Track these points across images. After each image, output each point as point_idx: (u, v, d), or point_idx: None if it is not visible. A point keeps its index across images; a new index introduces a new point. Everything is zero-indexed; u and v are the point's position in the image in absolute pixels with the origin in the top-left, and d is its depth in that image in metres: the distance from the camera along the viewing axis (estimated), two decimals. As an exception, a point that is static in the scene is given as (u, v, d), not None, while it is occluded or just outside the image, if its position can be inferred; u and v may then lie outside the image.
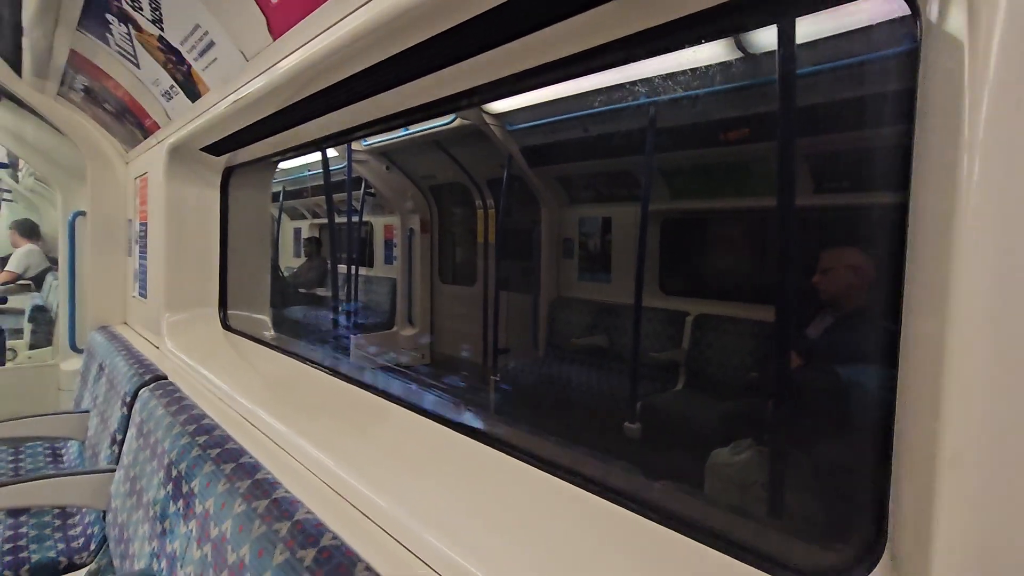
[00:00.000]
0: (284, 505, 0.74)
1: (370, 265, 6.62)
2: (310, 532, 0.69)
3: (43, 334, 4.27)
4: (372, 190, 6.01)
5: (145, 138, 2.08)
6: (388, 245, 6.63)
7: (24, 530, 1.48)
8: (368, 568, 0.62)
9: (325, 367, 1.56)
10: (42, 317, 4.36)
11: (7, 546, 1.40)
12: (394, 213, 6.16)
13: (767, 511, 1.55)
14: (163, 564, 0.91)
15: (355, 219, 5.62)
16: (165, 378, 1.53)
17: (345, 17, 0.83)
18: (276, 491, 0.79)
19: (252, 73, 1.16)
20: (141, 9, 1.25)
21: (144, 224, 2.17)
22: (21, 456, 1.97)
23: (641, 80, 2.77)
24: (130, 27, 1.37)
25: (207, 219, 1.97)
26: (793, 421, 1.79)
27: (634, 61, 0.77)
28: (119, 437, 1.46)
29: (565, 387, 3.90)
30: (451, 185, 5.60)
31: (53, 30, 1.61)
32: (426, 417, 1.08)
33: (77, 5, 1.40)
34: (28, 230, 6.20)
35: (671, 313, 3.77)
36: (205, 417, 1.13)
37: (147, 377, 1.51)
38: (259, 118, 1.34)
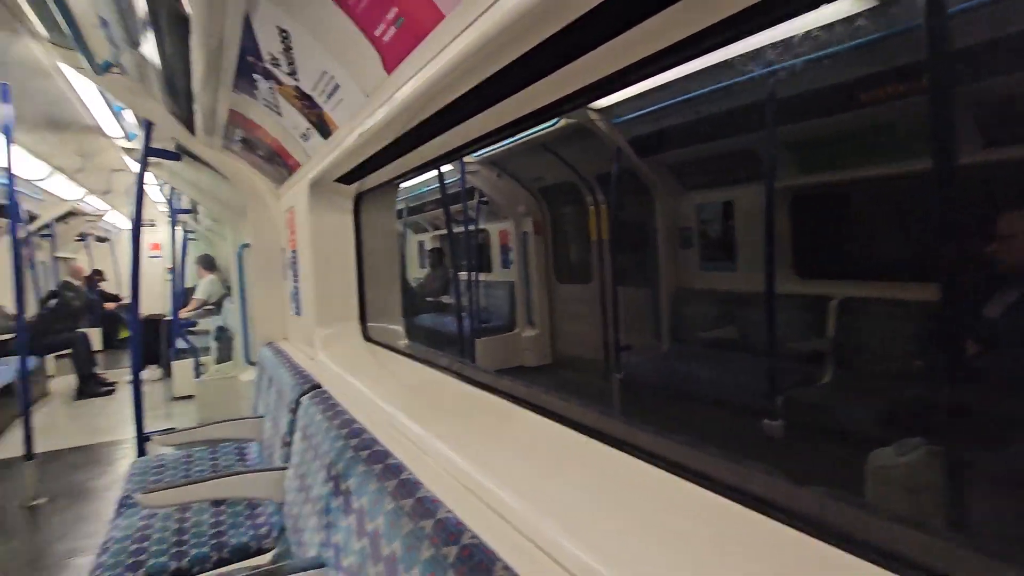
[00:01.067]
0: (427, 504, 0.80)
1: (488, 270, 6.88)
2: (451, 530, 0.73)
3: (225, 351, 5.04)
4: (485, 198, 6.24)
5: (290, 175, 2.37)
6: (504, 250, 6.84)
7: (223, 518, 1.76)
8: (506, 568, 0.65)
9: (455, 372, 1.65)
10: (224, 336, 5.14)
11: (213, 531, 1.67)
12: (507, 218, 6.34)
13: (944, 521, 1.35)
14: (331, 553, 1.03)
15: (471, 227, 5.87)
16: (320, 387, 1.73)
17: (450, 44, 0.88)
18: (419, 491, 0.85)
19: (372, 107, 1.27)
20: (279, 65, 1.43)
21: (294, 251, 2.47)
22: (217, 455, 2.34)
23: (754, 51, 2.56)
24: (272, 83, 1.57)
25: (344, 241, 2.19)
26: (973, 416, 1.53)
27: (748, 36, 0.72)
28: (288, 439, 1.68)
29: (694, 383, 3.72)
30: (561, 185, 5.62)
31: (215, 94, 1.90)
32: (552, 419, 1.10)
33: (231, 70, 1.63)
34: (208, 263, 7.32)
35: (811, 298, 3.42)
36: (355, 422, 1.26)
37: (306, 386, 1.71)
38: (382, 147, 1.47)
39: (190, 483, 1.53)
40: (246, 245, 4.76)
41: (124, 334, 8.93)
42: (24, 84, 3.32)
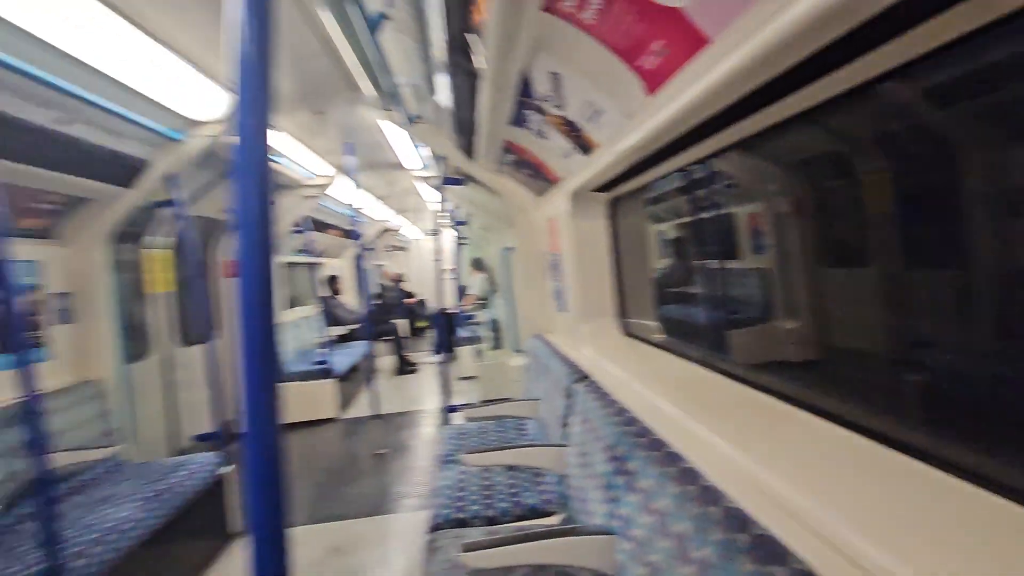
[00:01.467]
0: (711, 492, 0.89)
1: (738, 257, 6.42)
2: (738, 519, 0.81)
3: (497, 340, 5.89)
4: (732, 180, 5.84)
5: (550, 188, 2.68)
6: (755, 234, 6.28)
7: (516, 481, 2.13)
8: (800, 562, 0.69)
9: (713, 366, 1.68)
10: (496, 328, 6.00)
11: (510, 491, 2.05)
12: (758, 200, 5.81)
13: None
14: (618, 523, 1.19)
15: (717, 212, 5.55)
16: (589, 377, 1.94)
17: (714, 66, 0.93)
18: (700, 479, 0.94)
19: (633, 126, 1.39)
20: (549, 101, 1.67)
21: (556, 254, 2.78)
22: (503, 428, 2.81)
23: None
24: (542, 116, 1.83)
25: (601, 244, 2.38)
26: None
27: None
28: (565, 420, 1.94)
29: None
30: (822, 156, 4.90)
31: (494, 128, 2.28)
32: (828, 419, 1.06)
33: (508, 110, 1.95)
34: (479, 264, 8.53)
35: None
36: (627, 411, 1.41)
37: (577, 376, 1.95)
38: (639, 159, 1.58)
39: (493, 449, 1.91)
40: (509, 248, 5.48)
41: (420, 324, 11.08)
42: (357, 138, 4.46)
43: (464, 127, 2.66)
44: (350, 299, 8.98)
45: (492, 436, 2.74)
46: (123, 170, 2.83)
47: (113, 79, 2.28)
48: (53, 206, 2.70)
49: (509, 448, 2.02)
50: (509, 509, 1.93)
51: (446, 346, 8.44)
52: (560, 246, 2.67)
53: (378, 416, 4.40)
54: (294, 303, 7.33)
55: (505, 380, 5.44)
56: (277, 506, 0.62)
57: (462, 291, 8.86)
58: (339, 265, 9.25)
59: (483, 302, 8.31)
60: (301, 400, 5.39)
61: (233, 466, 3.07)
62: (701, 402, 1.41)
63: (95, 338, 3.01)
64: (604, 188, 2.16)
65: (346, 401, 5.97)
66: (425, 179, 5.37)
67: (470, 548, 1.20)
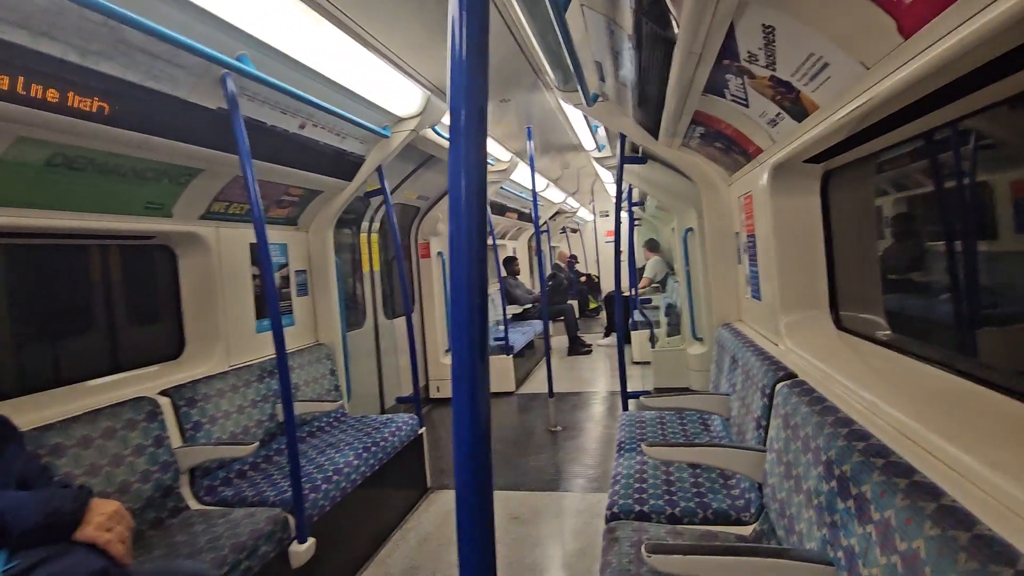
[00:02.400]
0: (995, 546, 0.69)
1: (994, 237, 5.09)
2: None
3: (674, 325, 5.59)
4: (988, 140, 4.61)
5: (746, 163, 2.39)
6: (1020, 206, 4.90)
7: (702, 480, 1.99)
8: None
9: (964, 371, 1.33)
10: (672, 312, 5.70)
11: (694, 490, 1.92)
12: (1031, 161, 4.50)
13: None
14: (840, 555, 1.02)
15: (966, 181, 4.45)
16: (794, 376, 1.70)
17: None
18: (976, 526, 0.74)
19: (872, 81, 1.14)
20: (756, 61, 1.46)
21: (751, 236, 2.49)
22: (684, 422, 2.65)
23: None
24: (744, 78, 1.61)
25: (810, 223, 2.06)
26: None
27: None
28: (763, 422, 1.74)
29: None
30: None
31: (684, 100, 2.10)
32: None
33: (704, 77, 1.77)
34: (653, 246, 8.18)
35: None
36: (853, 422, 1.19)
37: (780, 374, 1.72)
38: (875, 120, 1.30)
39: (679, 444, 1.79)
40: (690, 229, 5.12)
41: (592, 305, 11.09)
42: (536, 122, 4.55)
43: (649, 102, 2.51)
44: (526, 280, 9.35)
45: (673, 428, 2.61)
46: (345, 165, 3.28)
47: (337, 84, 2.63)
48: (294, 198, 3.24)
49: (697, 446, 1.88)
50: (694, 510, 1.81)
51: (620, 329, 8.32)
52: (756, 226, 2.38)
53: (552, 394, 4.51)
54: (476, 282, 7.87)
55: (680, 368, 5.15)
56: (484, 466, 0.64)
57: (637, 273, 8.59)
58: (514, 247, 9.67)
59: (658, 285, 7.95)
60: (482, 373, 5.80)
61: (424, 428, 3.43)
62: (960, 419, 1.13)
63: (324, 308, 3.58)
64: (818, 158, 1.84)
65: (522, 377, 6.26)
66: (601, 160, 5.26)
67: (656, 551, 1.13)
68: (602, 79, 2.63)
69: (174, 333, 2.73)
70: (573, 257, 11.36)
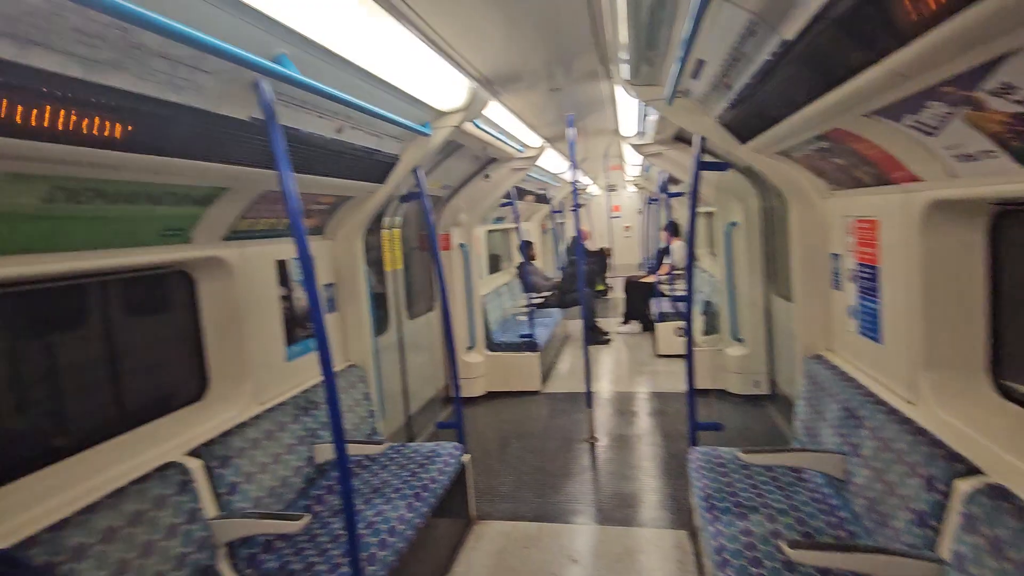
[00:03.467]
0: None
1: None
2: None
3: (711, 323, 5.29)
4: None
5: (872, 185, 2.04)
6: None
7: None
8: None
9: None
10: (710, 311, 5.40)
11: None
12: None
13: None
14: None
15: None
16: (980, 472, 1.40)
17: None
18: None
19: None
20: (1010, 94, 1.09)
21: (868, 266, 2.16)
22: (778, 479, 2.35)
23: None
24: (961, 108, 1.25)
25: (970, 268, 1.73)
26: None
27: None
28: (931, 522, 1.45)
29: None
30: None
31: (828, 119, 1.73)
32: None
33: (880, 101, 1.40)
34: (675, 229, 7.81)
35: None
36: None
37: (957, 467, 1.42)
38: None
39: (841, 550, 1.49)
40: (734, 224, 4.77)
41: (599, 287, 10.78)
42: (579, 110, 4.13)
43: (754, 108, 2.13)
44: (543, 264, 9.00)
45: (768, 487, 2.27)
46: (378, 166, 2.88)
47: (378, 79, 2.22)
48: (323, 207, 2.85)
49: (860, 551, 1.45)
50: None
51: (643, 319, 8.01)
52: (883, 258, 2.05)
53: (590, 403, 4.23)
54: (492, 270, 7.51)
55: (716, 369, 4.89)
56: None
57: (659, 258, 8.23)
58: (526, 228, 9.25)
59: (681, 272, 7.62)
60: (506, 371, 5.50)
61: (470, 456, 3.14)
62: None
63: (355, 323, 3.23)
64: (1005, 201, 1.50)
65: (546, 373, 5.97)
66: (640, 146, 4.85)
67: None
68: (694, 77, 2.23)
69: (195, 370, 2.38)
70: (587, 233, 10.96)
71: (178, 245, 2.09)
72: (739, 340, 4.84)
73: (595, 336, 7.44)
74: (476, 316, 5.48)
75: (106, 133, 1.41)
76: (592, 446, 4.13)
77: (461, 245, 5.38)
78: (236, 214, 2.24)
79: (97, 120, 1.38)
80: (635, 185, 10.48)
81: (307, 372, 2.84)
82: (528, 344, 5.52)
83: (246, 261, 2.44)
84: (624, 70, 2.54)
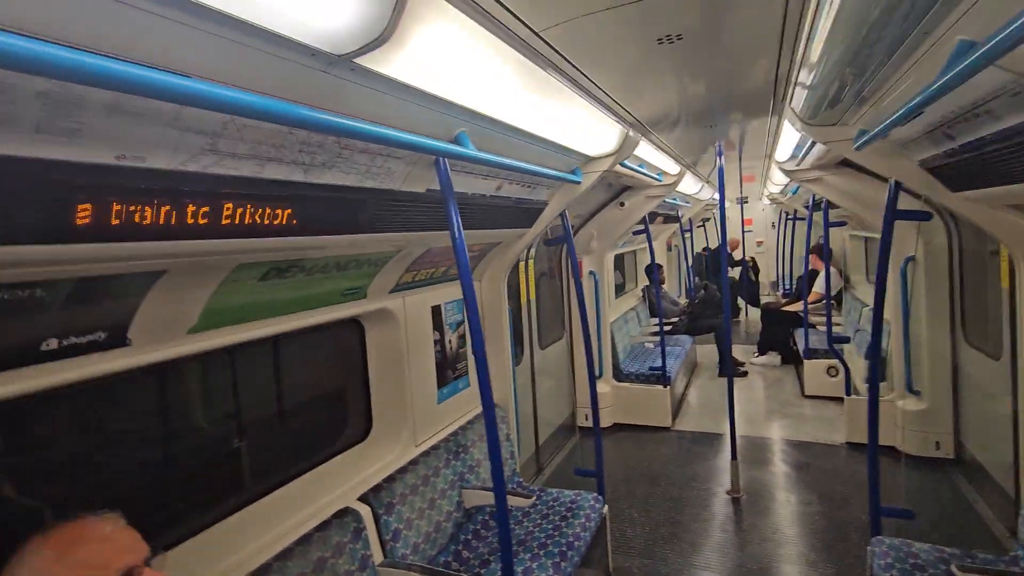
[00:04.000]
0: None
1: None
2: None
3: (876, 367, 4.64)
4: None
5: None
6: None
7: None
8: None
9: None
10: (875, 355, 4.76)
11: None
12: None
13: None
14: None
15: None
16: None
17: None
18: None
19: None
20: None
21: None
22: None
23: None
24: None
25: None
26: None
27: None
28: None
29: None
30: None
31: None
32: None
33: None
34: (823, 252, 7.03)
35: None
36: None
37: None
38: None
39: None
40: (911, 258, 4.15)
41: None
42: (729, 139, 3.86)
43: (993, 164, 1.80)
44: (668, 287, 8.61)
45: None
46: (527, 213, 2.90)
47: (533, 135, 2.22)
48: (474, 253, 2.93)
49: None
50: None
51: (783, 350, 7.29)
52: None
53: (735, 454, 3.91)
54: (618, 292, 7.31)
55: (885, 422, 4.26)
56: None
57: (805, 284, 7.47)
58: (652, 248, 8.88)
59: (829, 302, 6.84)
60: (634, 403, 5.30)
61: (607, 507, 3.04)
62: None
63: (498, 363, 3.29)
64: None
65: (676, 407, 5.66)
66: (793, 172, 4.41)
67: None
68: (901, 124, 1.95)
69: (362, 412, 2.56)
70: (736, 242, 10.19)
71: (356, 301, 2.25)
72: (914, 392, 4.20)
73: (730, 366, 6.92)
74: (605, 344, 5.36)
75: (313, 222, 1.54)
76: (736, 502, 3.81)
77: (591, 273, 5.30)
78: (403, 269, 2.36)
79: (309, 212, 1.51)
80: (771, 199, 9.63)
81: (455, 413, 2.93)
82: (659, 376, 5.28)
83: (408, 309, 2.58)
84: (799, 108, 2.30)
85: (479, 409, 3.12)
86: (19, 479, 1.44)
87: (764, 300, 9.66)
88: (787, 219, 9.41)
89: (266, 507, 1.96)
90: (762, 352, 7.48)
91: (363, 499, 2.16)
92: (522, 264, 4.28)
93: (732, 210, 13.39)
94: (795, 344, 6.69)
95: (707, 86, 2.30)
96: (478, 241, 2.76)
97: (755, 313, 9.34)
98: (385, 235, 1.90)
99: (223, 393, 2.10)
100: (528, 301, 4.46)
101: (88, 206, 0.99)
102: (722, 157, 3.67)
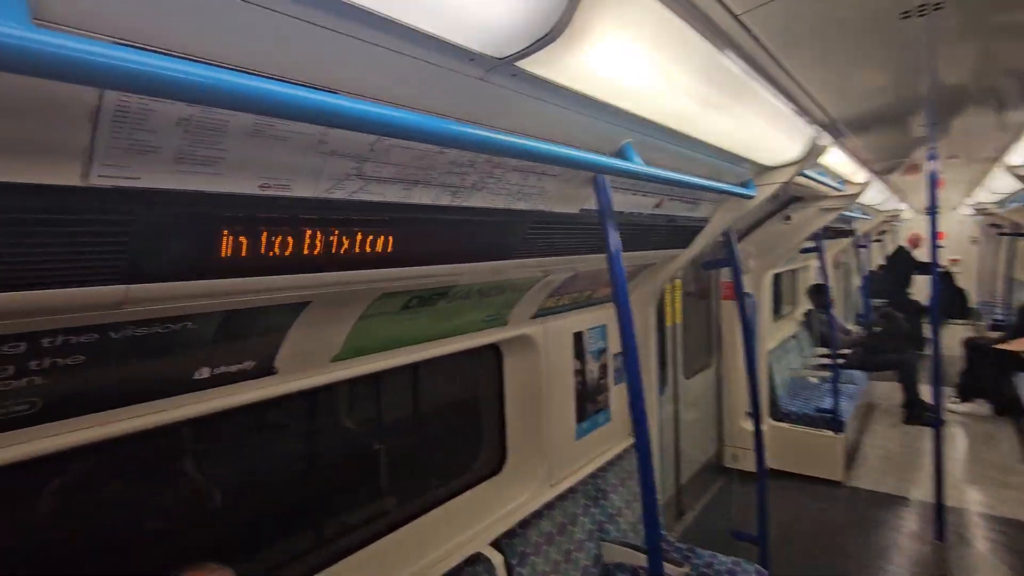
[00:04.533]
0: None
1: None
2: None
3: None
4: None
5: None
6: None
7: None
8: None
9: None
10: None
11: None
12: None
13: None
14: None
15: None
16: None
17: None
18: None
19: None
20: None
21: None
22: None
23: None
24: None
25: None
26: None
27: None
28: None
29: None
30: None
31: None
32: None
33: None
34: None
35: None
36: None
37: None
38: None
39: None
40: None
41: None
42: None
43: None
44: (837, 312, 7.44)
45: None
46: (683, 232, 2.54)
47: (703, 143, 1.87)
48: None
49: None
50: None
51: (996, 398, 5.81)
52: None
53: (942, 535, 3.12)
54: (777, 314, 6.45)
55: None
56: None
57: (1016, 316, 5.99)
58: (815, 265, 7.73)
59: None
60: (797, 449, 4.56)
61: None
62: None
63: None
64: None
65: (848, 457, 4.77)
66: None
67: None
68: None
69: (496, 443, 2.40)
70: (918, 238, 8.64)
71: (496, 328, 2.10)
72: None
73: (916, 412, 5.73)
74: (760, 377, 4.69)
75: (459, 248, 1.39)
76: None
77: (748, 294, 4.68)
78: (547, 294, 2.16)
79: (452, 238, 1.36)
80: (978, 210, 7.88)
81: (594, 451, 2.66)
82: (828, 420, 4.49)
83: (548, 336, 2.37)
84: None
85: (619, 448, 2.82)
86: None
87: (965, 334, 7.94)
88: (999, 234, 7.69)
89: (396, 543, 1.87)
90: (965, 397, 6.08)
91: (495, 545, 1.98)
92: (667, 285, 3.88)
93: (915, 222, 11.37)
94: (1014, 391, 5.33)
95: (950, 70, 1.78)
96: (629, 263, 2.47)
97: (951, 339, 7.58)
98: (534, 259, 1.71)
99: (361, 417, 2.07)
100: (673, 325, 4.04)
101: (233, 238, 0.92)
102: (936, 160, 2.96)
